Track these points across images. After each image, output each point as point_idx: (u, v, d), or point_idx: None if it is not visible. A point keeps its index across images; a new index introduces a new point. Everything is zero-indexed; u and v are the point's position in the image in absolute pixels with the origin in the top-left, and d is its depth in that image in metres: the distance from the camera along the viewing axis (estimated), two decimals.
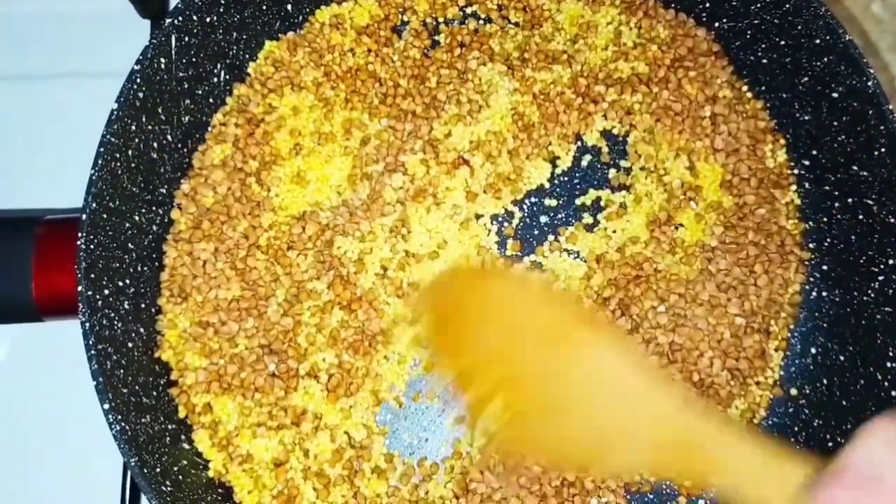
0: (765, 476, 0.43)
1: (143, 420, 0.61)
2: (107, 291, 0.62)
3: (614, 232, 0.72)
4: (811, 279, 0.72)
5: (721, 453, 0.45)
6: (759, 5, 0.69)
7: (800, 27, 0.67)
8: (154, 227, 0.68)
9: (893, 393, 0.63)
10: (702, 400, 0.67)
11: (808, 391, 0.70)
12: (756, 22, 0.71)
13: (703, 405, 0.55)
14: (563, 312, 0.55)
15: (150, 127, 0.66)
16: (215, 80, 0.71)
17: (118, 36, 0.80)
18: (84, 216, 0.61)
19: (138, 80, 0.64)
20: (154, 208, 0.68)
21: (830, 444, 0.67)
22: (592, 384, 0.51)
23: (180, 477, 0.62)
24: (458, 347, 0.57)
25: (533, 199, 0.73)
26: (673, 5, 0.75)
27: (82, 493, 0.72)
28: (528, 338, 0.53)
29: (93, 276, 0.61)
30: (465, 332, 0.57)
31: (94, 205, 0.61)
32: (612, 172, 0.74)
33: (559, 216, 0.73)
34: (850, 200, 0.69)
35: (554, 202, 0.73)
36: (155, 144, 0.67)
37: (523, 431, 0.54)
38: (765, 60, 0.72)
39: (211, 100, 0.72)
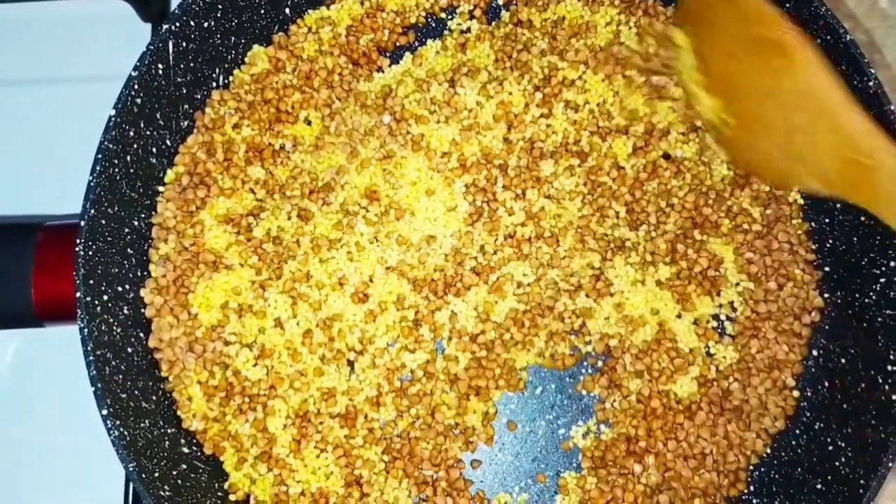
0: None
1: (142, 425, 0.61)
2: (106, 297, 0.63)
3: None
4: None
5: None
6: None
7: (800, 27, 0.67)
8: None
9: (894, 397, 0.62)
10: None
11: (809, 394, 0.70)
12: None
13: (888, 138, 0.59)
14: (782, 31, 0.61)
15: (148, 132, 0.66)
16: (213, 84, 0.71)
17: (120, 39, 0.80)
18: (82, 222, 0.61)
19: (136, 87, 0.64)
20: (153, 213, 0.68)
21: (831, 447, 0.66)
22: (796, 101, 0.61)
23: (179, 481, 0.62)
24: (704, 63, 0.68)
25: None
26: (673, 4, 0.74)
27: (87, 498, 0.73)
28: (747, 56, 0.63)
29: (91, 281, 0.61)
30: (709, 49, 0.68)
31: (92, 211, 0.62)
32: None
33: None
34: None
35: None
36: (153, 150, 0.68)
37: (739, 144, 0.68)
38: None
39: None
